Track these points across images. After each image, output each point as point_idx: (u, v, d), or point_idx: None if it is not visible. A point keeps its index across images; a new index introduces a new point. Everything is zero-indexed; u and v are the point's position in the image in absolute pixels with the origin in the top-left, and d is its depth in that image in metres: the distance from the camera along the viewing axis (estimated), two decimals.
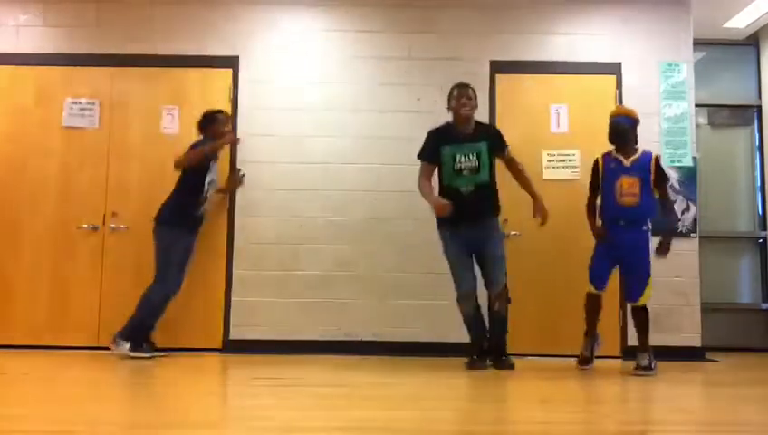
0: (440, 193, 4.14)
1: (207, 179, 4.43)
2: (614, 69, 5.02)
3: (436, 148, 4.13)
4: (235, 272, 4.80)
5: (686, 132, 4.97)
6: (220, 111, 4.61)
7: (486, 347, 4.17)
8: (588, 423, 2.65)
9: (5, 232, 4.84)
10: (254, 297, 4.75)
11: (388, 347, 4.68)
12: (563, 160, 4.91)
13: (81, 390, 3.24)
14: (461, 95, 4.12)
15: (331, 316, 4.76)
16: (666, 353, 4.68)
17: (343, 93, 4.97)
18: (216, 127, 4.53)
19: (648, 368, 3.98)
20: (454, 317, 4.78)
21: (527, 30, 5.06)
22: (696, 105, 5.07)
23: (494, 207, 4.17)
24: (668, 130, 4.97)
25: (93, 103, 4.95)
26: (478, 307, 4.19)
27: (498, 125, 4.94)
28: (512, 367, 4.07)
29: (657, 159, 4.16)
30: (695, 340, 4.79)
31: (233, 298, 4.78)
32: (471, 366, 4.11)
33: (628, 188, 4.08)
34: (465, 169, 4.06)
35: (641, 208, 4.07)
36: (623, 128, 4.16)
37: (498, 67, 5.01)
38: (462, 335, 4.76)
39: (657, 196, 4.15)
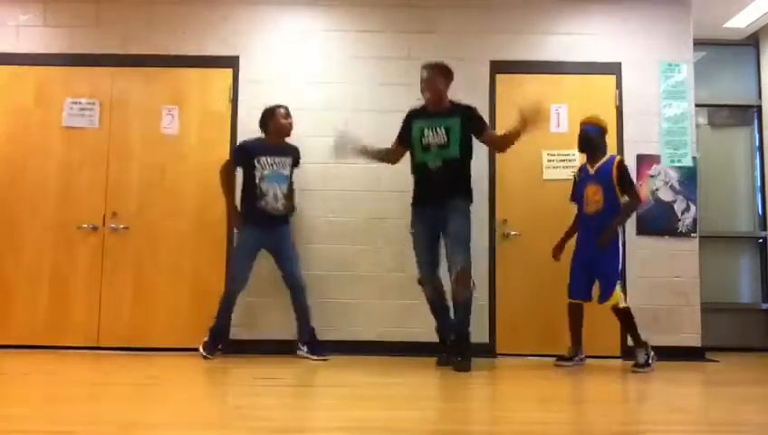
0: (411, 171, 4.14)
1: (257, 177, 4.37)
2: (614, 69, 5.02)
3: (408, 127, 4.12)
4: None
5: (686, 132, 4.97)
6: (279, 106, 4.53)
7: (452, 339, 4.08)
8: (587, 423, 2.65)
9: (5, 232, 4.84)
10: (254, 297, 4.75)
11: (388, 347, 4.68)
12: (563, 160, 4.91)
13: (81, 390, 3.24)
14: (425, 78, 4.10)
15: (331, 316, 4.75)
16: (666, 353, 4.68)
17: (343, 93, 4.97)
18: (275, 121, 4.47)
19: (646, 364, 4.07)
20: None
21: (527, 30, 5.06)
22: (696, 105, 5.07)
23: (463, 188, 4.07)
24: (668, 130, 4.97)
25: (93, 103, 4.95)
26: (442, 294, 4.12)
27: (498, 125, 4.95)
28: (465, 370, 3.87)
29: (620, 162, 4.23)
30: (695, 340, 4.79)
31: None
32: (439, 363, 4.08)
33: (592, 195, 4.23)
34: (432, 144, 4.01)
35: (605, 215, 4.17)
36: (591, 136, 4.28)
37: (498, 67, 5.01)
38: None
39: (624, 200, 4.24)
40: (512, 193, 4.91)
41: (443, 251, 4.10)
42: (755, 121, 5.73)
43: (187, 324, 4.70)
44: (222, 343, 4.46)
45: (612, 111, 4.98)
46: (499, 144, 4.16)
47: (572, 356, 4.29)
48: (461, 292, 3.95)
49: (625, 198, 4.24)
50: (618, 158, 4.27)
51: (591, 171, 4.28)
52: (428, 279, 4.07)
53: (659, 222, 4.89)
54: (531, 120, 3.83)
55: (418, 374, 3.80)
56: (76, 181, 4.88)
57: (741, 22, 5.41)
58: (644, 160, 4.92)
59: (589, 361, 4.40)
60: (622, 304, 4.14)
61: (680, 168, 4.94)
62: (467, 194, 4.09)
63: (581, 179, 4.35)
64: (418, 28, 5.03)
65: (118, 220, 4.83)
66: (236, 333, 4.74)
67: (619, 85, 5.00)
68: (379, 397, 3.15)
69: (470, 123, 4.05)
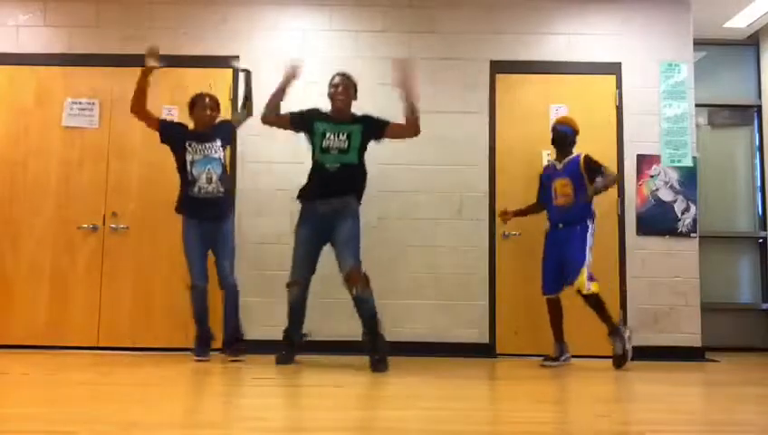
0: (309, 173, 4.13)
1: (188, 161, 4.28)
2: (614, 69, 5.02)
3: (309, 118, 4.12)
4: (235, 272, 4.79)
5: (686, 132, 4.97)
6: (206, 96, 4.42)
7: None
8: (587, 423, 2.65)
9: (5, 232, 4.84)
10: (254, 297, 4.75)
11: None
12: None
13: (81, 390, 3.24)
14: (337, 85, 4.12)
15: (331, 316, 4.75)
16: (666, 353, 4.69)
17: None
18: (196, 113, 4.38)
19: (623, 357, 4.13)
20: (454, 317, 4.79)
21: (527, 30, 5.06)
22: (696, 105, 5.07)
23: (357, 188, 4.09)
24: (668, 130, 4.97)
25: (93, 103, 4.95)
26: (305, 299, 4.13)
27: (498, 125, 4.96)
28: (383, 369, 3.83)
29: (586, 157, 4.32)
30: (695, 340, 4.79)
31: None
32: (278, 361, 4.07)
33: (561, 188, 4.33)
34: (333, 148, 4.03)
35: (575, 208, 4.27)
36: (562, 135, 4.40)
37: (498, 67, 5.01)
38: (462, 335, 4.78)
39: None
40: (512, 193, 4.90)
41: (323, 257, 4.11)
42: (755, 121, 5.73)
43: (187, 324, 4.69)
44: (209, 341, 4.35)
45: (612, 111, 4.98)
46: (407, 125, 4.07)
47: (558, 356, 4.30)
48: (359, 289, 3.90)
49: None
50: (583, 154, 4.35)
51: (559, 167, 4.39)
52: (302, 281, 4.06)
53: (659, 222, 4.89)
54: (403, 78, 3.96)
55: (418, 374, 3.80)
56: (76, 181, 4.88)
57: (741, 22, 5.41)
58: (644, 160, 4.92)
59: (588, 361, 4.40)
60: (586, 290, 4.13)
61: (680, 168, 4.94)
62: (359, 196, 4.10)
63: (548, 176, 4.46)
64: (418, 28, 5.03)
65: (118, 220, 4.83)
66: None
67: (619, 85, 5.00)
68: (378, 397, 3.14)
69: (370, 129, 4.08)
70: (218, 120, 4.44)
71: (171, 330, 4.69)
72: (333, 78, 4.18)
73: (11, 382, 3.45)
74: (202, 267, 4.28)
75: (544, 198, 4.48)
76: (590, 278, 4.17)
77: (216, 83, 4.96)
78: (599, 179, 4.28)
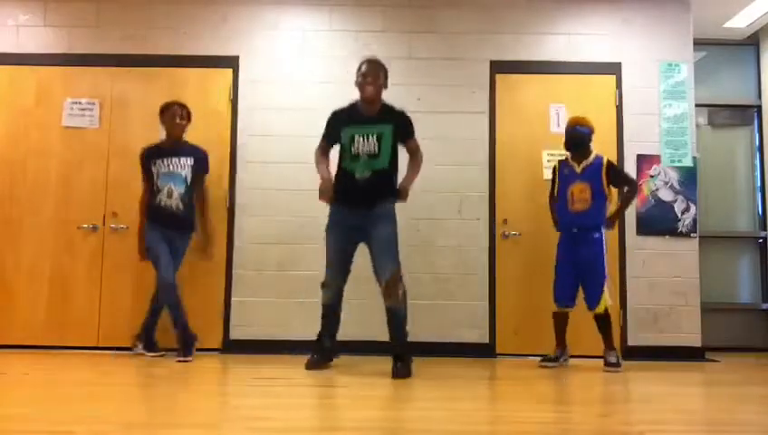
0: (336, 175, 3.89)
1: (155, 175, 4.35)
2: (614, 69, 5.02)
3: (337, 130, 3.88)
4: (235, 272, 4.80)
5: (686, 132, 4.97)
6: (175, 104, 4.45)
7: (330, 346, 3.95)
8: (587, 423, 2.65)
9: (6, 232, 4.84)
10: (254, 297, 4.75)
11: (388, 347, 4.66)
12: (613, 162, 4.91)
13: (81, 390, 3.24)
14: (367, 73, 3.83)
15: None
16: (666, 353, 4.70)
17: (343, 93, 4.93)
18: (165, 121, 4.44)
19: (617, 365, 4.10)
20: (454, 317, 4.79)
21: (527, 30, 5.06)
22: (696, 105, 5.07)
23: (389, 193, 3.86)
24: (668, 130, 4.97)
25: (93, 103, 4.95)
26: (340, 302, 3.97)
27: (498, 125, 4.96)
28: (405, 375, 3.66)
29: (609, 163, 4.26)
30: (695, 340, 4.79)
31: (233, 298, 4.78)
32: (307, 365, 3.88)
33: (579, 194, 4.22)
34: (363, 153, 3.78)
35: (592, 214, 4.18)
36: (581, 136, 4.28)
37: (498, 67, 5.01)
38: (462, 335, 4.78)
39: (620, 192, 4.33)
40: (512, 193, 4.91)
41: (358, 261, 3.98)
42: (755, 121, 5.73)
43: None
44: (191, 341, 4.35)
45: (612, 111, 4.99)
46: (412, 162, 3.96)
47: (558, 357, 4.29)
48: (396, 299, 3.75)
49: (624, 189, 4.30)
50: (605, 158, 4.28)
51: (578, 170, 4.26)
52: (336, 283, 3.89)
53: (659, 222, 4.89)
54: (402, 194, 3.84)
55: (418, 374, 3.80)
56: (76, 181, 4.88)
57: (741, 22, 5.41)
58: (644, 160, 4.92)
59: (588, 361, 4.39)
60: (608, 307, 4.13)
61: (680, 168, 4.94)
62: (393, 197, 3.87)
63: (565, 177, 4.31)
64: (418, 28, 5.03)
65: (118, 220, 4.83)
66: (236, 333, 4.74)
67: (619, 85, 5.00)
68: (378, 397, 3.14)
69: (399, 130, 3.88)
70: (198, 146, 4.50)
71: (171, 330, 4.68)
72: (361, 65, 3.89)
73: (11, 382, 3.45)
74: (168, 262, 4.27)
75: (559, 198, 4.33)
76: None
77: (216, 83, 4.97)
78: (623, 195, 4.25)
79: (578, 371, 4.13)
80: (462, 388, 3.47)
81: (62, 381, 3.50)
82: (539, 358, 4.35)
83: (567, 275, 4.22)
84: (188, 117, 4.49)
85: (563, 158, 4.40)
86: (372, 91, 3.84)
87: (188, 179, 4.40)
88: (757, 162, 5.70)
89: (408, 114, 3.98)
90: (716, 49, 5.70)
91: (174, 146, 4.42)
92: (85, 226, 4.83)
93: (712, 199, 5.57)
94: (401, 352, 3.79)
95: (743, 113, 5.79)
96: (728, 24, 5.44)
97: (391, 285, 3.74)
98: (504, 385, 3.72)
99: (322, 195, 3.78)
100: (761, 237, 5.60)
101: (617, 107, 4.99)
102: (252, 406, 2.88)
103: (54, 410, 2.67)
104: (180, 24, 5.01)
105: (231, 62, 4.97)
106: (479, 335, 4.78)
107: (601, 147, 4.93)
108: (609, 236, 4.86)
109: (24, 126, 4.92)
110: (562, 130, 4.94)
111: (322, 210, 4.81)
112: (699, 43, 5.28)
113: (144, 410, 2.74)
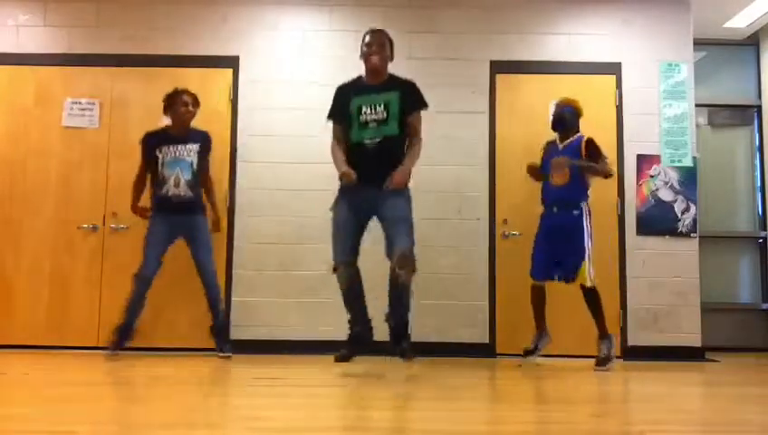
0: (347, 151, 3.73)
1: (159, 164, 4.35)
2: (614, 69, 5.02)
3: (344, 105, 3.71)
4: (235, 272, 4.81)
5: (686, 132, 4.97)
6: (183, 92, 4.44)
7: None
8: (587, 423, 2.64)
9: (6, 232, 4.84)
10: (254, 297, 4.75)
11: (388, 347, 4.66)
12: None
13: (82, 390, 3.24)
14: (371, 42, 3.69)
15: (331, 316, 4.75)
16: (666, 353, 4.70)
17: None
18: (174, 110, 4.42)
19: (606, 360, 4.09)
20: (454, 317, 4.79)
21: (527, 30, 5.06)
22: (696, 105, 5.07)
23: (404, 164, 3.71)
24: (668, 130, 4.97)
25: (93, 103, 4.95)
26: (360, 283, 3.76)
27: (498, 125, 4.96)
28: (410, 358, 3.64)
29: (589, 140, 4.24)
30: (695, 340, 4.79)
31: (233, 298, 4.78)
32: (339, 359, 3.74)
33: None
34: (371, 120, 3.64)
35: (571, 188, 4.18)
36: (566, 116, 4.30)
37: (498, 67, 5.01)
38: (462, 335, 4.78)
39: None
40: (512, 193, 4.91)
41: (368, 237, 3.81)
42: (755, 121, 5.73)
43: (186, 324, 4.70)
44: (129, 336, 4.31)
45: (612, 111, 4.99)
46: (410, 146, 3.80)
47: (534, 348, 4.29)
48: (404, 274, 3.56)
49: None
50: (586, 136, 4.27)
51: (560, 146, 4.30)
52: (347, 265, 3.67)
53: (659, 222, 4.89)
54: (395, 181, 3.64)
55: (418, 374, 3.80)
56: (76, 181, 4.88)
57: (741, 22, 5.41)
58: (644, 160, 4.93)
59: (588, 361, 4.39)
60: (589, 283, 4.11)
61: (680, 168, 4.94)
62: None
63: (548, 154, 4.34)
64: (418, 28, 5.03)
65: (118, 220, 4.83)
66: (236, 333, 4.74)
67: (619, 85, 5.01)
68: (378, 397, 3.14)
69: (407, 98, 3.70)
70: (201, 129, 4.49)
71: (171, 330, 4.69)
72: (365, 36, 3.74)
73: (11, 382, 3.45)
74: (152, 260, 4.28)
75: (544, 174, 4.35)
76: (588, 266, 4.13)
77: (216, 83, 4.97)
78: (594, 164, 4.21)
79: (577, 371, 4.13)
80: (462, 388, 3.46)
81: (62, 381, 3.50)
82: (538, 358, 4.35)
83: (542, 252, 4.25)
84: (197, 103, 4.49)
85: (552, 139, 4.41)
86: (378, 60, 3.68)
87: (194, 165, 4.39)
88: (757, 162, 5.70)
89: (416, 85, 3.79)
90: (716, 49, 5.71)
91: (181, 132, 4.41)
92: (85, 226, 4.83)
93: (712, 199, 5.57)
94: (404, 329, 3.73)
95: (743, 113, 5.79)
96: (728, 24, 5.44)
97: (404, 259, 3.53)
98: (504, 385, 3.72)
99: (347, 177, 3.59)
100: (761, 237, 5.60)
101: (617, 107, 4.99)
102: (252, 406, 2.88)
103: (54, 411, 2.67)
104: (180, 24, 5.01)
105: (231, 62, 4.97)
106: (479, 335, 4.78)
107: (602, 147, 4.94)
108: (607, 236, 4.87)
109: (23, 126, 4.93)
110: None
111: (322, 210, 4.82)
112: (699, 43, 5.28)
113: (144, 410, 2.74)
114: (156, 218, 4.37)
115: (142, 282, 4.28)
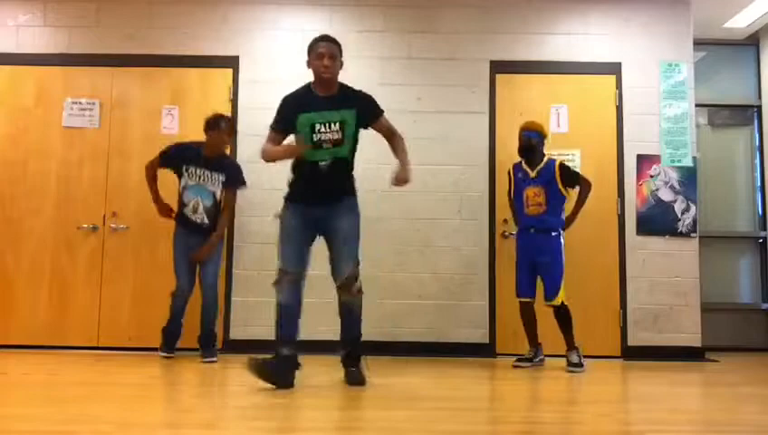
0: (293, 168, 3.55)
1: (182, 184, 4.35)
2: (614, 69, 5.02)
3: (291, 117, 3.46)
4: (235, 272, 4.81)
5: (686, 132, 4.97)
6: (225, 119, 4.41)
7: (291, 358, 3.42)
8: (587, 423, 2.65)
9: (6, 232, 4.84)
10: (254, 297, 4.75)
11: (388, 347, 4.67)
12: (564, 160, 4.91)
13: (81, 390, 3.24)
14: (323, 54, 3.41)
15: (331, 316, 4.73)
16: (666, 353, 4.70)
17: None
18: (213, 134, 4.33)
19: (579, 365, 4.10)
20: (454, 317, 4.79)
21: (527, 30, 5.06)
22: (696, 105, 5.07)
23: (352, 187, 3.56)
24: (668, 130, 4.97)
25: (93, 103, 4.95)
26: (300, 301, 3.54)
27: (498, 125, 4.96)
28: (360, 383, 3.36)
29: (561, 165, 4.28)
30: (695, 340, 4.79)
31: (233, 298, 4.78)
32: (254, 369, 3.27)
33: (534, 198, 4.26)
34: (325, 140, 3.41)
35: (548, 217, 4.22)
36: (533, 142, 4.30)
37: (498, 67, 5.01)
38: (462, 335, 4.78)
39: (575, 193, 4.29)
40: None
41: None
42: (755, 121, 5.73)
43: (186, 324, 4.69)
44: (175, 342, 4.38)
45: (612, 111, 4.99)
46: (395, 146, 3.61)
47: (532, 357, 4.31)
48: (349, 299, 3.48)
49: (576, 189, 4.28)
50: (558, 160, 4.30)
51: (532, 174, 4.28)
52: (295, 276, 3.46)
53: (659, 222, 4.89)
54: (400, 180, 3.48)
55: (418, 374, 3.80)
56: (76, 181, 4.88)
57: (741, 22, 5.41)
58: (644, 160, 4.92)
59: (589, 361, 4.39)
60: (565, 301, 4.17)
61: (680, 168, 4.94)
62: (354, 190, 3.59)
63: (520, 180, 4.34)
64: (418, 28, 5.03)
65: (118, 220, 4.83)
66: (236, 333, 4.74)
67: (619, 85, 5.00)
68: (378, 397, 3.14)
69: (366, 114, 3.50)
70: (233, 160, 4.55)
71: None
72: (316, 44, 3.46)
73: (11, 382, 3.45)
74: (189, 274, 4.35)
75: (516, 199, 4.38)
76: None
77: (216, 83, 4.97)
78: (578, 196, 4.24)
79: (516, 369, 4.13)
80: (462, 388, 3.46)
81: (62, 381, 3.50)
82: (542, 359, 4.36)
83: (525, 274, 4.28)
84: (234, 132, 4.54)
85: (518, 162, 4.40)
86: (333, 73, 3.46)
87: (218, 195, 4.38)
88: (757, 162, 5.70)
89: (368, 92, 3.59)
90: (716, 49, 5.70)
91: (213, 158, 4.36)
92: (85, 226, 4.83)
93: (712, 199, 5.57)
94: (355, 353, 3.51)
95: (743, 113, 5.79)
96: (728, 24, 5.44)
97: (350, 282, 3.44)
98: (504, 385, 3.72)
99: (299, 141, 3.40)
100: (761, 237, 5.60)
101: (617, 107, 4.99)
102: (252, 406, 2.88)
103: (54, 411, 2.67)
104: (180, 24, 5.01)
105: (231, 62, 4.97)
106: (479, 335, 4.78)
107: (602, 147, 4.96)
108: (607, 236, 4.88)
109: (23, 126, 4.92)
110: (563, 130, 4.97)
111: None
112: (699, 43, 5.28)
113: (144, 410, 2.74)
114: (179, 236, 4.39)
115: (180, 299, 4.33)
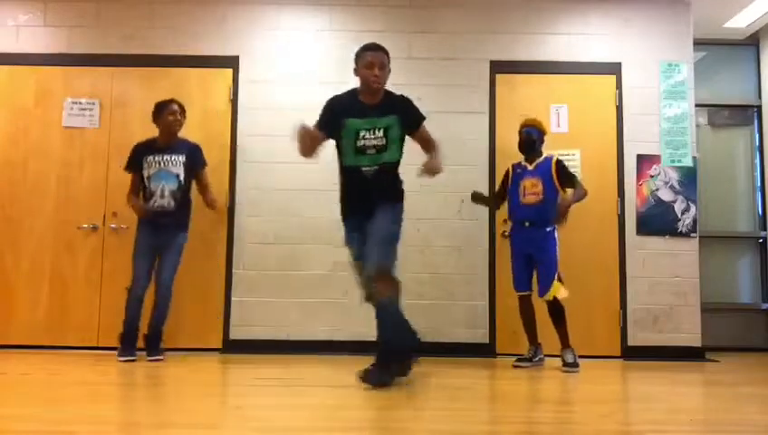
0: (340, 175, 3.58)
1: (145, 176, 4.33)
2: (614, 69, 5.02)
3: (337, 120, 3.47)
4: (235, 272, 4.81)
5: (686, 132, 4.97)
6: (171, 102, 4.41)
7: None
8: (587, 423, 2.64)
9: (6, 232, 4.84)
10: (254, 297, 4.75)
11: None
12: (564, 161, 4.91)
13: (81, 390, 3.24)
14: (373, 63, 3.42)
15: (331, 316, 4.75)
16: (666, 353, 4.70)
17: None
18: (162, 118, 4.38)
19: (574, 365, 4.11)
20: (454, 317, 4.79)
21: (527, 30, 5.06)
22: (696, 105, 5.07)
23: (399, 192, 3.57)
24: (668, 130, 4.97)
25: (93, 103, 4.95)
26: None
27: (498, 125, 4.96)
28: (367, 381, 3.27)
29: (558, 161, 4.29)
30: (695, 340, 4.79)
31: (233, 298, 4.78)
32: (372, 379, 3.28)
33: (531, 187, 4.27)
34: (369, 146, 3.43)
35: (544, 207, 4.21)
36: (533, 139, 4.34)
37: (498, 67, 5.01)
38: (462, 335, 4.78)
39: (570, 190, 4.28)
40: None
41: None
42: (755, 121, 5.73)
43: (186, 325, 4.70)
44: (133, 343, 4.29)
45: (612, 111, 4.99)
46: (426, 147, 3.62)
47: (532, 357, 4.31)
48: (378, 294, 3.40)
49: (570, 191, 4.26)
50: (555, 157, 4.31)
51: (530, 167, 4.32)
52: (366, 280, 3.48)
53: (659, 222, 4.89)
54: (430, 169, 3.47)
55: (418, 374, 3.80)
56: (76, 181, 4.88)
57: (741, 22, 5.41)
58: (644, 160, 4.92)
59: (587, 361, 4.39)
60: (561, 295, 4.14)
61: (680, 168, 4.94)
62: (402, 195, 3.60)
63: (517, 175, 4.36)
64: (418, 28, 5.03)
65: (118, 220, 4.83)
66: (236, 333, 4.74)
67: (619, 85, 5.00)
68: (378, 397, 3.14)
69: (408, 120, 3.52)
70: (191, 141, 4.48)
71: (171, 330, 4.68)
72: (365, 53, 3.47)
73: (11, 382, 3.45)
74: (141, 273, 4.30)
75: (510, 194, 4.38)
76: (559, 279, 4.17)
77: (216, 83, 4.97)
78: (571, 191, 4.21)
79: (516, 369, 4.13)
80: (462, 388, 3.46)
81: (62, 381, 3.50)
82: (542, 359, 4.35)
83: (521, 269, 4.30)
84: (183, 113, 4.47)
85: (517, 162, 4.41)
86: (382, 83, 3.47)
87: (182, 177, 4.37)
88: (757, 162, 5.70)
89: (410, 98, 3.62)
90: (716, 49, 5.70)
91: (168, 143, 4.39)
92: (85, 226, 4.83)
93: (712, 199, 5.57)
94: (382, 358, 3.41)
95: (743, 113, 5.79)
96: (728, 24, 5.44)
97: (375, 279, 3.38)
98: (503, 385, 3.72)
99: (302, 129, 3.38)
100: (761, 237, 5.60)
101: (617, 107, 4.99)
102: (252, 406, 2.88)
103: (54, 410, 2.67)
104: (180, 24, 5.01)
105: (231, 62, 4.97)
106: (479, 335, 4.78)
107: (602, 147, 4.96)
108: (607, 236, 4.88)
109: (23, 126, 4.92)
110: (563, 130, 4.97)
111: (322, 210, 4.84)
112: (699, 43, 5.28)
113: (144, 410, 2.74)
114: (141, 232, 4.36)
115: (134, 300, 4.27)
